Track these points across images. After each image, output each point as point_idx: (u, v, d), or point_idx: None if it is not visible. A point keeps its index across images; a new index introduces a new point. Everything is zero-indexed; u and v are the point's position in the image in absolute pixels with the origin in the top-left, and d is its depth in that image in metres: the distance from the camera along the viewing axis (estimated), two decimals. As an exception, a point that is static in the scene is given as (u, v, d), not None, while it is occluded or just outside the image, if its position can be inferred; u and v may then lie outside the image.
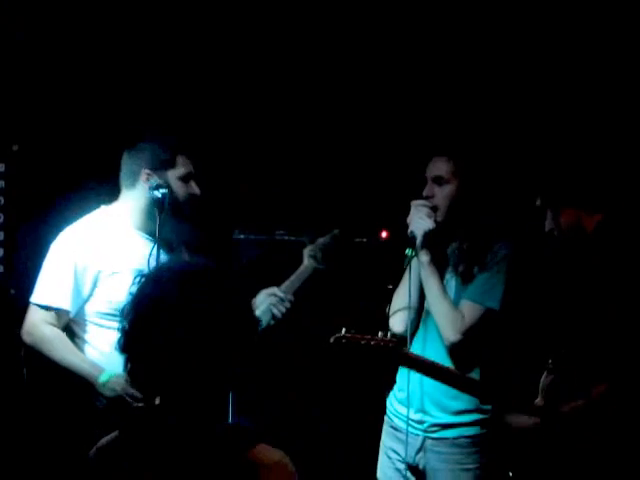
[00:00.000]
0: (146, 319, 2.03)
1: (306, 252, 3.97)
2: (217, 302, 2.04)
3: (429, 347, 3.63)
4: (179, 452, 2.04)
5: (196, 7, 4.62)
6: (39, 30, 4.46)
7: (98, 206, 3.64)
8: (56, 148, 4.47)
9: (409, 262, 3.63)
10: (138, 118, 4.37)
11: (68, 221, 3.62)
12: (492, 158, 4.14)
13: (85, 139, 4.44)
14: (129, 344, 2.06)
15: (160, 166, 3.53)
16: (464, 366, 3.59)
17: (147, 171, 3.52)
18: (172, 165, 3.55)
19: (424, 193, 3.66)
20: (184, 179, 3.57)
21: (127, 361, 2.07)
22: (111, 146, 3.68)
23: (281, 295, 3.80)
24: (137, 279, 2.10)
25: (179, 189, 3.56)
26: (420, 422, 3.65)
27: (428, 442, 3.64)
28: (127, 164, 3.58)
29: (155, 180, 3.46)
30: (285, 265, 4.06)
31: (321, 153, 4.75)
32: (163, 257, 3.46)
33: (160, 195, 3.46)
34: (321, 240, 3.99)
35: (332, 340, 3.38)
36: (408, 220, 3.64)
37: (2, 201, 4.50)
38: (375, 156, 4.72)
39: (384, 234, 3.96)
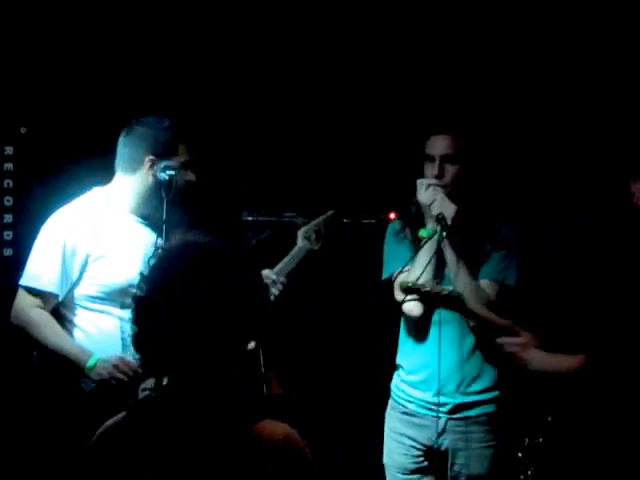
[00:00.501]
0: (157, 300, 2.03)
1: (300, 233, 3.93)
2: (229, 282, 2.03)
3: (445, 330, 3.63)
4: (184, 432, 2.03)
5: (196, 5, 4.61)
6: (39, 29, 4.45)
7: (90, 188, 3.64)
8: (64, 131, 4.46)
9: (430, 242, 3.62)
10: (140, 110, 4.38)
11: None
12: (495, 137, 4.19)
13: (92, 123, 4.44)
14: (140, 324, 2.06)
15: (163, 153, 3.54)
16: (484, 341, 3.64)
17: (151, 157, 3.53)
18: (175, 153, 3.57)
19: (433, 172, 3.65)
20: (184, 166, 3.58)
21: (136, 337, 2.06)
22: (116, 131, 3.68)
23: (273, 277, 3.78)
24: (149, 260, 2.09)
25: (179, 176, 3.57)
26: (441, 405, 3.67)
27: (450, 423, 3.68)
28: (127, 149, 3.58)
29: (164, 163, 3.49)
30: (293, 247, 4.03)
31: (325, 134, 4.74)
32: (159, 241, 3.47)
33: (168, 177, 3.49)
34: (314, 221, 3.97)
35: (404, 288, 3.54)
36: (423, 200, 3.63)
37: (11, 184, 4.50)
38: (378, 137, 4.70)
39: (392, 215, 3.95)
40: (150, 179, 3.55)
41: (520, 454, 3.54)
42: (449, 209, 3.58)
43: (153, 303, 2.03)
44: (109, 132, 3.72)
